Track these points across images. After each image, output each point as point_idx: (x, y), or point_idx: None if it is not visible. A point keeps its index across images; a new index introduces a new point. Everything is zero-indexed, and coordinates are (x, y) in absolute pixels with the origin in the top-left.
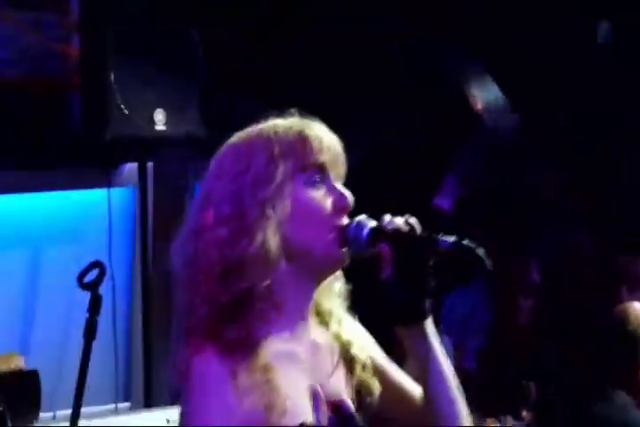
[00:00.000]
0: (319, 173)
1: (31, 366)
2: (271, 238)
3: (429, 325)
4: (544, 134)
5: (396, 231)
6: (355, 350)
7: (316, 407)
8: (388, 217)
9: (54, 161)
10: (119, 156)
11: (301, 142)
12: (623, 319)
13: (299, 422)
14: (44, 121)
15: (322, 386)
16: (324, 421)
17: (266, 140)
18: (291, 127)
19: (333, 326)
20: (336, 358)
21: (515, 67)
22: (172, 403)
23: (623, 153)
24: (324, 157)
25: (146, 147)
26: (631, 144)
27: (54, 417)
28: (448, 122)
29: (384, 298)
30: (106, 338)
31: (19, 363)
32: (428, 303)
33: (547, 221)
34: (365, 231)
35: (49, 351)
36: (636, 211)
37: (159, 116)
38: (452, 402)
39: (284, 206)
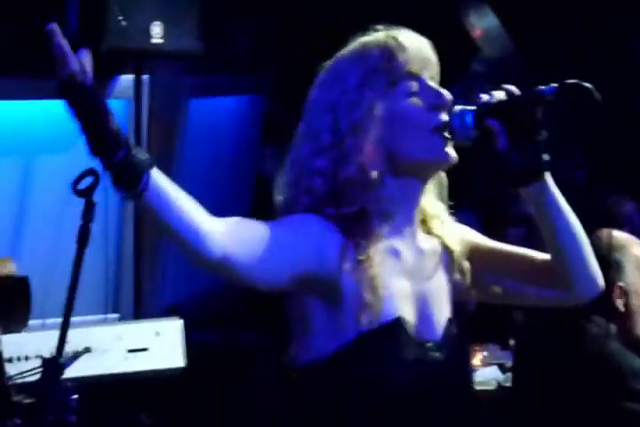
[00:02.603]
0: (411, 80)
1: (22, 273)
2: (371, 161)
3: (549, 178)
4: (543, 64)
5: (499, 103)
6: (457, 258)
7: (421, 316)
8: (484, 96)
9: (48, 69)
10: (115, 67)
11: (387, 57)
12: (595, 244)
13: (393, 316)
14: (41, 31)
15: (422, 288)
16: (425, 332)
17: (352, 63)
18: (376, 44)
19: (436, 229)
20: (439, 262)
21: None
22: (161, 316)
23: (626, 83)
24: (412, 66)
25: (142, 59)
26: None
27: (44, 325)
28: (448, 51)
29: (505, 167)
30: (96, 248)
31: (11, 268)
32: (546, 156)
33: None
34: (469, 116)
35: (40, 259)
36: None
37: (156, 29)
38: (584, 251)
39: (380, 125)
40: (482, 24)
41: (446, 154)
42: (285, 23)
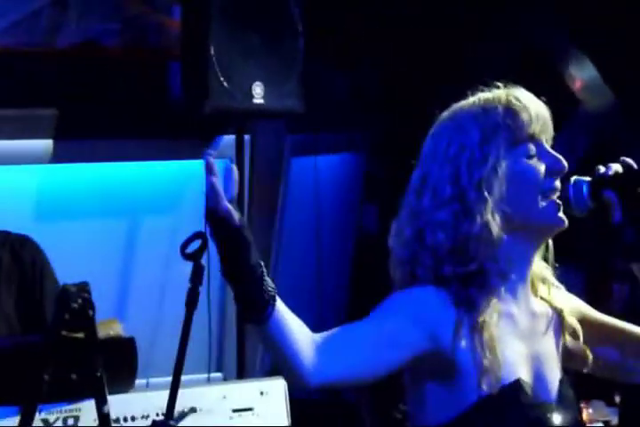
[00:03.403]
0: (531, 143)
1: (127, 333)
2: (492, 219)
3: None
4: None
5: (616, 175)
6: (566, 318)
7: (537, 378)
8: (601, 167)
9: (153, 131)
10: (217, 128)
11: (511, 117)
12: None
13: (512, 379)
14: (145, 91)
15: (536, 349)
16: (542, 393)
17: (475, 118)
18: (498, 101)
19: (543, 291)
20: (550, 324)
21: (609, 46)
22: (264, 375)
23: None
24: (534, 128)
25: (244, 120)
26: None
27: (148, 385)
28: (548, 103)
29: (620, 240)
30: (200, 308)
31: (118, 329)
32: None
33: None
34: (585, 188)
35: (144, 318)
36: None
37: (257, 90)
38: None
39: (502, 184)
40: (582, 76)
41: (560, 219)
42: (385, 81)
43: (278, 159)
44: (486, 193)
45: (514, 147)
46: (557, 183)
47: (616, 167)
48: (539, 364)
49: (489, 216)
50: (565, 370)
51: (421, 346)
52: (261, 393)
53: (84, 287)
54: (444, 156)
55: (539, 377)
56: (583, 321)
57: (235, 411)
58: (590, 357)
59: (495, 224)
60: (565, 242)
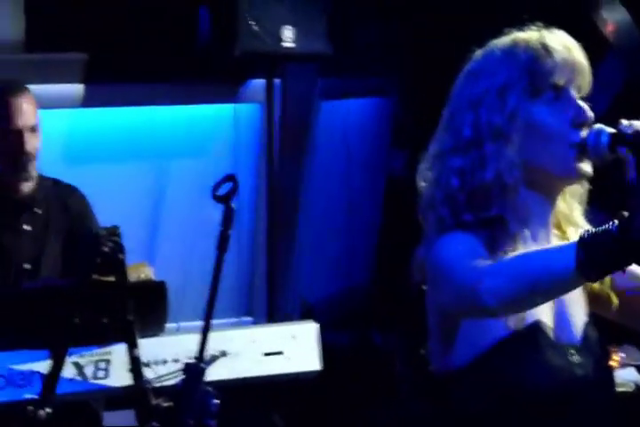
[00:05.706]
0: (555, 91)
1: (158, 277)
2: (508, 169)
3: None
4: None
5: (636, 134)
6: None
7: (560, 320)
8: (625, 122)
9: (183, 75)
10: (247, 72)
11: (537, 63)
12: None
13: (532, 320)
14: (175, 36)
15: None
16: (564, 335)
17: (500, 62)
18: (525, 46)
19: (570, 233)
20: None
21: None
22: (293, 318)
23: None
24: (559, 76)
25: (273, 63)
26: None
27: (178, 329)
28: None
29: (632, 200)
30: (230, 252)
31: (148, 273)
32: None
33: None
34: (605, 138)
35: (174, 262)
36: None
37: (287, 33)
38: None
39: (520, 133)
40: (614, 19)
41: (577, 171)
42: (414, 25)
43: (308, 103)
44: (504, 143)
45: (536, 95)
46: (582, 134)
47: (637, 126)
48: (561, 306)
49: (503, 165)
50: (593, 314)
51: None
52: (293, 337)
53: (114, 231)
54: (468, 97)
55: (562, 319)
56: None
57: (265, 355)
58: (615, 302)
59: (511, 175)
60: (600, 189)
